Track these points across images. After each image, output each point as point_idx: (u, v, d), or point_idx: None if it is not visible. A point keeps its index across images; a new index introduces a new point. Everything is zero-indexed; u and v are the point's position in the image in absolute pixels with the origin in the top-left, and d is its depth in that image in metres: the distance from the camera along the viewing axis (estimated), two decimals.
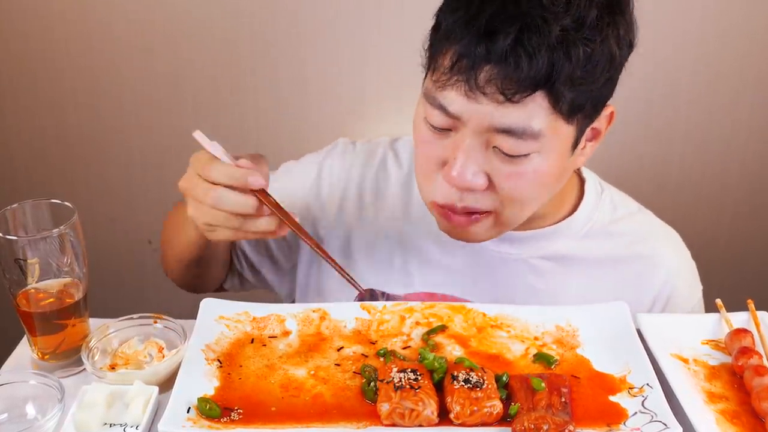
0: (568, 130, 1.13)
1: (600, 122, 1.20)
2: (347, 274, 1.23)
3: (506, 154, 1.12)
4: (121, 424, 1.05)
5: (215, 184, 1.14)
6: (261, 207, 1.15)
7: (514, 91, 1.06)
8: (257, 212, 1.15)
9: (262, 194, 1.15)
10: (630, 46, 1.15)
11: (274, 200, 1.17)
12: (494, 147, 1.12)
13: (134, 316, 1.22)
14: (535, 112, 1.08)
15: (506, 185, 1.15)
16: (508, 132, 1.10)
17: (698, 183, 2.49)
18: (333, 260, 1.23)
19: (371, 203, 1.43)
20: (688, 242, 1.44)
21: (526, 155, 1.12)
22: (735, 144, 2.45)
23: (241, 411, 1.05)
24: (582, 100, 1.10)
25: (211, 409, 1.03)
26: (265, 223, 1.16)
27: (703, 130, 2.42)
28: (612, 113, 1.21)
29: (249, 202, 1.14)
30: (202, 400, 1.04)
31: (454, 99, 1.10)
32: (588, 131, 1.19)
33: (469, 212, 1.19)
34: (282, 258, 1.48)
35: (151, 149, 2.51)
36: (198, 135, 1.18)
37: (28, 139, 2.52)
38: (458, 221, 1.20)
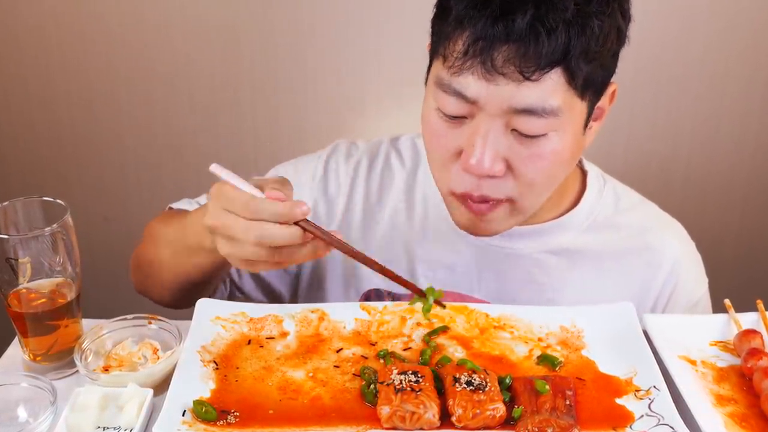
0: (581, 107, 1.15)
1: (603, 100, 1.21)
2: (402, 279, 1.14)
3: (525, 136, 1.13)
4: (114, 428, 1.04)
5: (257, 220, 1.07)
6: (305, 234, 1.08)
7: (533, 69, 1.07)
8: (303, 241, 1.09)
9: (303, 222, 1.08)
10: (629, 19, 1.17)
11: (314, 224, 1.10)
12: (513, 130, 1.13)
13: (128, 316, 1.21)
14: (552, 89, 1.09)
15: (526, 168, 1.15)
16: (527, 112, 1.10)
17: (705, 181, 2.48)
18: (386, 270, 1.13)
19: (377, 202, 1.42)
20: (695, 241, 1.43)
21: (544, 135, 1.13)
22: (743, 141, 2.44)
23: (238, 414, 1.03)
24: (594, 74, 1.13)
25: (207, 412, 1.02)
26: (310, 250, 1.09)
27: (710, 127, 2.42)
28: (614, 91, 1.22)
29: (295, 234, 1.07)
30: (198, 403, 1.03)
31: (471, 83, 1.10)
32: (594, 110, 1.20)
33: (486, 200, 1.19)
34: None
35: (146, 148, 2.50)
36: (216, 168, 1.11)
37: (21, 138, 2.51)
38: (477, 209, 1.20)
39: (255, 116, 2.44)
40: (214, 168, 1.11)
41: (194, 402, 1.03)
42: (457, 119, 1.15)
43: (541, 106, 1.10)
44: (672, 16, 2.25)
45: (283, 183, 1.12)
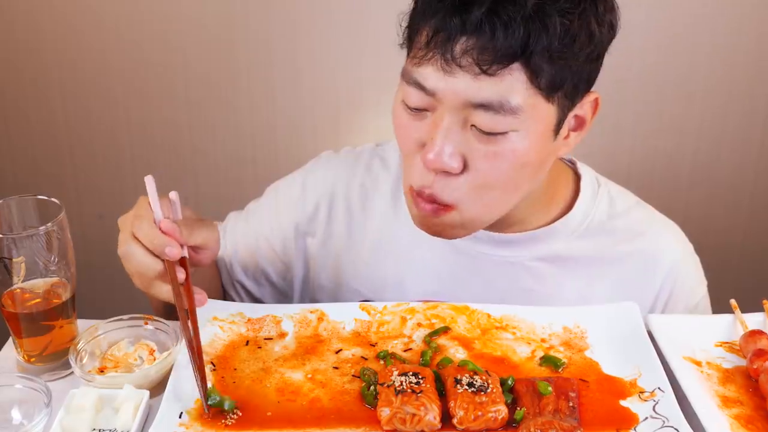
0: (548, 110, 1.12)
1: (584, 109, 1.18)
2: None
3: (484, 132, 1.11)
4: (110, 430, 1.03)
5: (137, 239, 1.10)
6: (166, 275, 1.09)
7: (490, 62, 1.06)
8: (162, 278, 1.10)
9: (183, 262, 1.10)
10: (611, 29, 1.14)
11: (180, 274, 1.10)
12: (472, 126, 1.11)
13: (124, 317, 1.20)
14: (512, 86, 1.07)
15: (483, 166, 1.13)
16: (484, 107, 1.08)
17: (712, 179, 2.47)
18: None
19: (360, 211, 1.40)
20: (701, 241, 1.41)
21: (503, 133, 1.11)
22: (751, 139, 2.42)
23: (236, 416, 1.02)
24: (561, 76, 1.10)
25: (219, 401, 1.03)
26: (167, 293, 1.11)
27: (717, 124, 2.40)
28: (596, 100, 1.19)
29: (152, 266, 1.09)
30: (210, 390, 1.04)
31: (430, 74, 1.09)
32: (572, 119, 1.18)
33: (434, 200, 1.17)
34: (281, 282, 1.45)
35: (141, 146, 2.49)
36: (149, 181, 1.13)
37: (16, 136, 2.50)
38: (424, 209, 1.18)
39: (252, 113, 2.43)
40: (148, 180, 1.14)
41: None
42: (420, 112, 1.14)
43: (498, 102, 1.08)
44: (678, 16, 2.24)
45: (200, 224, 1.14)
